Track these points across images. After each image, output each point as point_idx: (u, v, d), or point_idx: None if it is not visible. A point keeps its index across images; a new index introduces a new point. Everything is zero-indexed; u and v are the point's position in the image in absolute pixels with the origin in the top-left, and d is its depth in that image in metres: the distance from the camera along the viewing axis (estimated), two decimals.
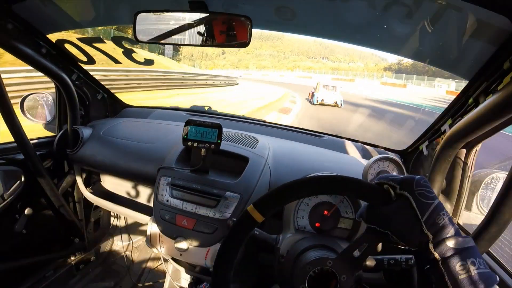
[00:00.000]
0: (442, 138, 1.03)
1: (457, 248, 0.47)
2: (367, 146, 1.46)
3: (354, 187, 0.57)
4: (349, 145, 1.45)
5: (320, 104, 17.31)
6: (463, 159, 0.98)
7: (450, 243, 0.48)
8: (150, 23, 0.92)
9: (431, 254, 0.49)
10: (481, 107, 0.74)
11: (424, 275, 0.51)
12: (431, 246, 0.49)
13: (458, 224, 1.02)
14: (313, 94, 18.20)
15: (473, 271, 0.45)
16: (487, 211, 0.77)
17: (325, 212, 0.93)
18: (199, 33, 0.91)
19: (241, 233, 0.61)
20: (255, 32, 0.96)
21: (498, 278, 0.46)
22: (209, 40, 0.91)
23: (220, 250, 0.61)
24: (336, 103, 17.55)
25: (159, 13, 0.90)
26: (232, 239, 0.61)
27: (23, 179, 1.31)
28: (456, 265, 0.46)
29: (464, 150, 0.95)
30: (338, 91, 18.24)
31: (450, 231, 0.49)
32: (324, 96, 17.57)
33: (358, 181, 0.57)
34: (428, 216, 0.50)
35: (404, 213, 0.52)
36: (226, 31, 0.89)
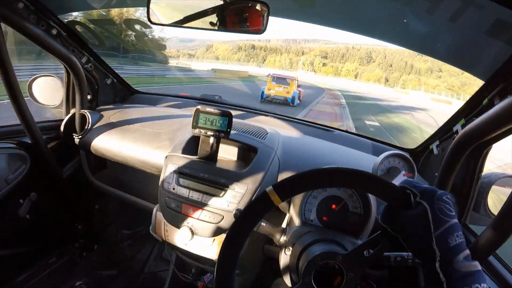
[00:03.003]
0: (453, 138, 1.02)
1: (463, 271, 0.47)
2: (376, 143, 1.45)
3: (376, 186, 0.56)
4: (359, 141, 1.45)
5: (268, 101, 14.40)
6: (473, 160, 0.97)
7: (457, 266, 0.47)
8: (165, 6, 0.90)
9: (437, 273, 0.48)
10: (496, 108, 0.73)
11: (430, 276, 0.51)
12: (437, 264, 0.48)
13: (465, 226, 1.02)
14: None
15: None
16: (495, 214, 0.76)
17: (333, 206, 0.92)
18: (214, 17, 0.89)
19: (256, 213, 0.60)
20: None
21: None
22: (224, 25, 0.89)
23: (230, 230, 0.60)
24: (286, 100, 14.47)
25: None
26: (245, 218, 0.60)
27: (28, 162, 1.30)
28: None
29: (475, 151, 0.94)
30: (295, 85, 15.06)
31: (460, 254, 0.48)
32: (273, 91, 14.50)
33: (381, 180, 0.56)
34: (440, 233, 0.49)
35: (418, 222, 0.52)
36: (242, 17, 0.88)
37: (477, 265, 0.48)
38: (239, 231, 0.60)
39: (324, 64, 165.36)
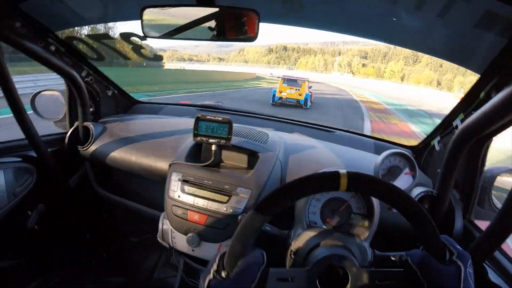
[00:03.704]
0: (454, 133, 1.01)
1: None
2: (378, 142, 1.44)
3: (428, 231, 0.57)
4: (361, 141, 1.44)
5: (278, 104, 13.64)
6: (475, 154, 0.96)
7: None
8: (157, 19, 0.92)
9: None
10: (493, 101, 0.72)
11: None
12: None
13: (470, 221, 1.00)
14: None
15: None
16: (499, 208, 0.75)
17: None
18: (206, 27, 0.90)
19: (316, 185, 0.58)
20: None
21: None
22: (216, 34, 0.90)
23: (288, 183, 0.57)
24: (298, 102, 13.66)
25: (166, 8, 0.90)
26: (305, 182, 0.57)
27: (35, 175, 1.33)
28: None
29: (476, 145, 0.93)
30: (306, 86, 14.19)
31: None
32: (284, 93, 13.75)
33: (435, 228, 0.57)
34: None
35: (450, 278, 0.54)
36: (233, 25, 0.89)
37: None
38: (292, 190, 0.57)
39: (363, 65, 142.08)
